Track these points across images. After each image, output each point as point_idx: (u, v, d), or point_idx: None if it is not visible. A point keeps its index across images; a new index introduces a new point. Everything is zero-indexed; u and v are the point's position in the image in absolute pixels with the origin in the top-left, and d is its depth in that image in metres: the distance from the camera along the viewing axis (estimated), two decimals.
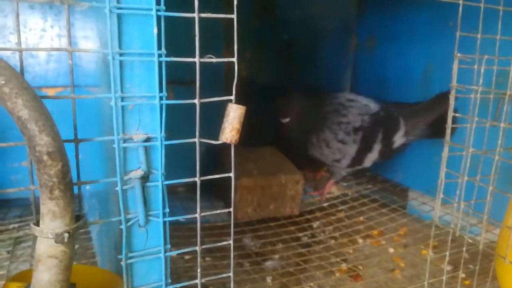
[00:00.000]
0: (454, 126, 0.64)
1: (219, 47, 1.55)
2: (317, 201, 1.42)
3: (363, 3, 1.70)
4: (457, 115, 0.64)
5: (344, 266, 1.05)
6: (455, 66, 0.62)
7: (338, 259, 1.07)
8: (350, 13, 1.73)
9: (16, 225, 1.15)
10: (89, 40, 0.80)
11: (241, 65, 1.68)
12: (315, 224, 1.27)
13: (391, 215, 1.33)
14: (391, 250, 1.15)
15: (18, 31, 0.42)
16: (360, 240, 1.19)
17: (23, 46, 1.31)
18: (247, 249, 1.12)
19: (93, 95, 0.50)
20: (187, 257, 1.04)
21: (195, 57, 0.47)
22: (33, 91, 0.40)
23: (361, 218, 1.31)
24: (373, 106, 1.38)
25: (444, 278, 0.73)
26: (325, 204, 1.40)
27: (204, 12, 0.46)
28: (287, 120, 1.41)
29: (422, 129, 1.34)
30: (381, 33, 1.57)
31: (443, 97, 1.25)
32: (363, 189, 1.50)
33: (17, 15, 0.41)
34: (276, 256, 1.08)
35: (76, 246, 1.06)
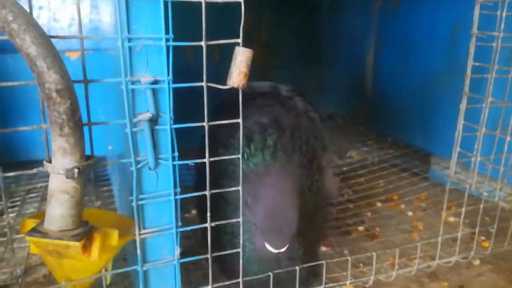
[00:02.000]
0: (474, 76, 0.62)
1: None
2: (335, 166, 1.41)
3: None
4: (477, 64, 0.62)
5: (361, 228, 1.05)
6: (476, 12, 0.59)
7: (355, 220, 1.07)
8: None
9: (43, 184, 1.21)
10: (109, 4, 0.81)
11: (260, 28, 1.67)
12: None
13: (412, 180, 1.31)
14: (410, 213, 1.14)
15: None
16: (379, 204, 1.18)
17: (45, 9, 1.33)
18: None
19: (98, 37, 0.50)
20: None
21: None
22: (41, 29, 0.41)
23: (381, 183, 1.30)
24: None
25: (459, 234, 0.72)
26: (345, 168, 1.39)
27: None
28: None
29: None
30: None
31: None
32: (384, 154, 1.48)
33: None
34: None
35: (99, 203, 1.10)
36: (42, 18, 1.31)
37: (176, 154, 0.51)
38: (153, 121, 0.49)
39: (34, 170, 0.44)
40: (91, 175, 1.21)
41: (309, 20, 1.69)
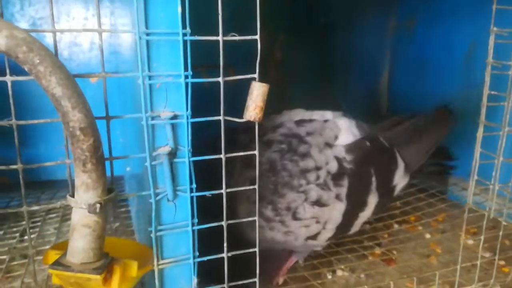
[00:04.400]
0: (489, 104, 0.62)
1: (255, 28, 1.55)
2: None
3: None
4: (492, 92, 0.62)
5: (377, 250, 1.04)
6: (491, 41, 0.59)
7: (371, 243, 1.06)
8: None
9: (63, 204, 1.24)
10: (128, 27, 0.83)
11: (274, 47, 1.68)
12: None
13: (429, 201, 1.29)
14: (428, 235, 1.12)
15: (52, 14, 0.45)
16: (396, 225, 1.17)
17: (66, 34, 1.37)
18: None
19: (122, 74, 0.52)
20: None
21: (223, 36, 0.48)
22: (66, 70, 0.43)
23: (398, 203, 1.29)
24: (348, 131, 0.88)
25: (478, 263, 0.71)
26: None
27: None
28: None
29: (423, 159, 0.98)
30: (422, 13, 1.51)
31: (445, 111, 1.06)
32: None
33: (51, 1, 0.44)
34: None
35: (117, 224, 1.12)
36: (63, 42, 1.36)
37: (194, 185, 0.52)
38: (172, 154, 0.51)
39: (58, 204, 0.45)
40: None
41: (324, 39, 1.70)
